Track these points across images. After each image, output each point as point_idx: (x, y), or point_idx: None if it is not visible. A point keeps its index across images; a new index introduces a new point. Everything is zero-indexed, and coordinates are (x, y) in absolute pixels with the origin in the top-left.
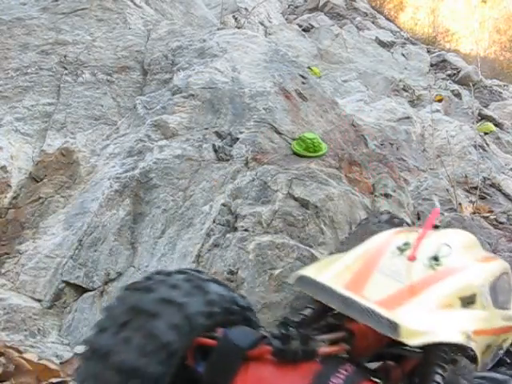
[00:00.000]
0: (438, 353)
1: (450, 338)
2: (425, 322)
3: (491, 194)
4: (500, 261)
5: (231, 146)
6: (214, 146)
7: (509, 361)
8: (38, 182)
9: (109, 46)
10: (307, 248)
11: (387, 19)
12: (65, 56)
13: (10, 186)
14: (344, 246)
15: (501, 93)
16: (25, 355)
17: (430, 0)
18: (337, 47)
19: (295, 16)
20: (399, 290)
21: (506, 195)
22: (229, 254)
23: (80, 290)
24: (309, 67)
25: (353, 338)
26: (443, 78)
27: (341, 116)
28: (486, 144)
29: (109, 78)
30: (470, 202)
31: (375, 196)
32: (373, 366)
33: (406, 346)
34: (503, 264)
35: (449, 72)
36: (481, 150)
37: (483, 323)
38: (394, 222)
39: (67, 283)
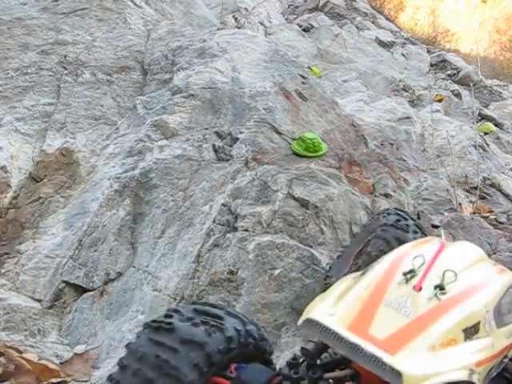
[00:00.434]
0: None
1: (452, 377)
2: (427, 364)
3: (491, 194)
4: (508, 273)
5: (231, 146)
6: (214, 146)
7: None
8: (38, 181)
9: (109, 46)
10: (307, 248)
11: (387, 19)
12: (65, 56)
13: (10, 185)
14: (349, 249)
15: (501, 93)
16: (25, 355)
17: (429, 0)
18: (337, 47)
19: (295, 16)
20: (404, 327)
21: (506, 195)
22: (229, 254)
23: (80, 290)
24: (309, 67)
25: (359, 377)
26: (443, 78)
27: (341, 116)
28: (486, 144)
29: (109, 77)
30: (470, 201)
31: (375, 196)
32: None
33: None
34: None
35: (449, 72)
36: (481, 150)
37: (486, 352)
38: (398, 225)
39: (67, 283)
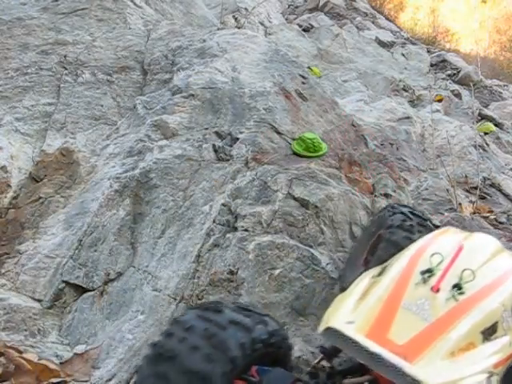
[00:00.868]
0: None
1: (472, 382)
2: (447, 371)
3: (491, 194)
4: None
5: (231, 145)
6: (214, 146)
7: None
8: (38, 181)
9: (109, 46)
10: (307, 248)
11: (387, 19)
12: (65, 56)
13: (10, 185)
14: (355, 251)
15: (501, 93)
16: (25, 355)
17: (429, 0)
18: (337, 47)
19: (295, 16)
20: (423, 331)
21: (506, 195)
22: (229, 254)
23: (80, 290)
24: (309, 67)
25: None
26: (443, 78)
27: (341, 116)
28: (486, 144)
29: (109, 77)
30: (470, 202)
31: (375, 196)
32: None
33: None
34: None
35: (449, 72)
36: (481, 150)
37: (504, 352)
38: (404, 226)
39: (67, 283)
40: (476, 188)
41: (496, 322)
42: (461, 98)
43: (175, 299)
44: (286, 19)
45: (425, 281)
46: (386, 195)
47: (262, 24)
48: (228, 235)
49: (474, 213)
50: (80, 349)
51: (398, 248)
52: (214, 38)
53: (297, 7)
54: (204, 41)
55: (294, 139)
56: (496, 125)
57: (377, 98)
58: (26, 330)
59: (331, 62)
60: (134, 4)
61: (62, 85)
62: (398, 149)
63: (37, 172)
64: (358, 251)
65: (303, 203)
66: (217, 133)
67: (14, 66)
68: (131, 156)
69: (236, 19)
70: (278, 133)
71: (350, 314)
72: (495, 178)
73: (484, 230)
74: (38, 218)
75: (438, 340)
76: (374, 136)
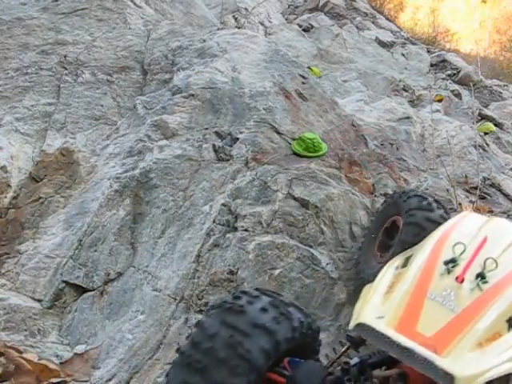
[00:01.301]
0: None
1: (500, 371)
2: (477, 362)
3: (491, 194)
4: None
5: (231, 146)
6: (214, 146)
7: None
8: (38, 181)
9: (109, 46)
10: (307, 248)
11: (387, 19)
12: (65, 56)
13: (10, 186)
14: (368, 239)
15: (501, 93)
16: (25, 355)
17: (429, 0)
18: (337, 47)
19: (295, 16)
20: (450, 322)
21: (506, 195)
22: (229, 254)
23: (80, 290)
24: (309, 67)
25: (407, 377)
26: (443, 78)
27: (341, 116)
28: (486, 144)
29: (109, 77)
30: (470, 202)
31: (375, 196)
32: None
33: None
34: None
35: (449, 72)
36: (481, 150)
37: None
38: (422, 206)
39: (67, 283)
40: (476, 188)
41: None
42: (461, 98)
43: (175, 299)
44: (286, 19)
45: (449, 271)
46: (386, 195)
47: (262, 24)
48: (228, 235)
49: None
50: (80, 349)
51: (420, 228)
52: (214, 38)
53: (297, 7)
54: (204, 41)
55: (294, 139)
56: (496, 125)
57: (377, 97)
58: (26, 330)
59: (331, 62)
60: (134, 4)
61: (62, 85)
62: (397, 149)
63: (37, 172)
64: (370, 239)
65: (303, 203)
66: (217, 133)
67: (14, 65)
68: (131, 156)
69: (236, 19)
70: (278, 133)
71: (379, 309)
72: (495, 178)
73: None
74: (37, 218)
75: (465, 331)
76: (374, 136)
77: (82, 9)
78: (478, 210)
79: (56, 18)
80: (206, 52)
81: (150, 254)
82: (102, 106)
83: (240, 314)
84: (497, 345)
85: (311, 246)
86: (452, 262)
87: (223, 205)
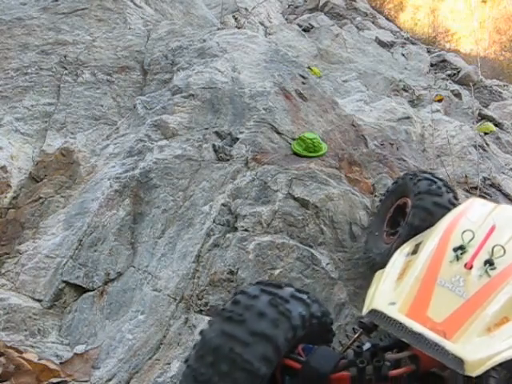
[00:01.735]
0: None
1: (508, 356)
2: (486, 347)
3: (491, 194)
4: None
5: (231, 146)
6: (214, 146)
7: None
8: (38, 181)
9: (109, 46)
10: (307, 248)
11: (387, 19)
12: (65, 56)
13: (10, 185)
14: (377, 218)
15: (501, 93)
16: (25, 355)
17: (429, 0)
18: (337, 47)
19: (295, 16)
20: (460, 308)
21: (506, 195)
22: (229, 254)
23: (80, 290)
24: (309, 67)
25: (418, 359)
26: (443, 78)
27: (341, 116)
28: (486, 144)
29: (109, 77)
30: None
31: (375, 196)
32: None
33: None
34: None
35: (449, 72)
36: (481, 150)
37: None
38: (431, 191)
39: (67, 283)
40: (476, 188)
41: None
42: (461, 98)
43: (175, 299)
44: (286, 19)
45: (458, 258)
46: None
47: (262, 24)
48: (228, 235)
49: None
50: (80, 349)
51: (428, 213)
52: (214, 38)
53: (297, 7)
54: (204, 41)
55: (294, 139)
56: (496, 125)
57: (377, 98)
58: (26, 330)
59: (331, 61)
60: (134, 4)
61: (61, 85)
62: (397, 149)
63: (37, 172)
64: (378, 220)
65: (303, 203)
66: (217, 133)
67: (14, 65)
68: (131, 156)
69: (236, 19)
70: (278, 133)
71: (391, 295)
72: (495, 177)
73: None
74: (38, 218)
75: (474, 316)
76: (374, 136)
77: (82, 9)
78: None
79: (56, 18)
80: (206, 52)
81: (150, 254)
82: (101, 105)
83: (238, 324)
84: (505, 329)
85: (311, 246)
86: (461, 249)
87: (223, 205)
